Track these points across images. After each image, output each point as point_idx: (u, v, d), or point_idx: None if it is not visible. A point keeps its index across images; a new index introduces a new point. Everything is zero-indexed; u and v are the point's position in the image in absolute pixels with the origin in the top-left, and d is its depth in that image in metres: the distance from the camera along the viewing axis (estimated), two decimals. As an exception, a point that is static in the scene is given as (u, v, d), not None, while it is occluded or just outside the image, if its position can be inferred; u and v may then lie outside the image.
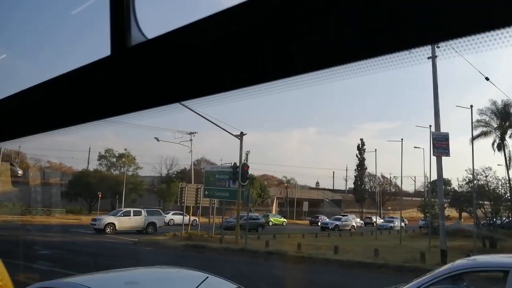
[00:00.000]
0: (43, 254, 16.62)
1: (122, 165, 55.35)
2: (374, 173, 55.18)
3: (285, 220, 50.79)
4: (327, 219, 46.75)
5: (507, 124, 36.93)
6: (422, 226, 43.34)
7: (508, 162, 36.90)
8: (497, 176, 28.70)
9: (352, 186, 68.60)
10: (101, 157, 57.49)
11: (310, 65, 0.67)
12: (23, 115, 1.30)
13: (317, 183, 79.19)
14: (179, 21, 0.84)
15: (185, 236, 26.80)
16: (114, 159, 57.11)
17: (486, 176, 27.59)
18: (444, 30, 0.55)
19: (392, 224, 45.77)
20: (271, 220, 49.06)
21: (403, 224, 46.97)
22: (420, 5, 0.56)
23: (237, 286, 4.47)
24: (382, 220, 50.60)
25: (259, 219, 37.72)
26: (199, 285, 3.73)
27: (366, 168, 64.92)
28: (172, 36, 0.85)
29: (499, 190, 29.05)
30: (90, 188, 48.17)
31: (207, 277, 4.07)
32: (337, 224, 41.85)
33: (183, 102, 0.95)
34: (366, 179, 65.24)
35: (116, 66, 0.99)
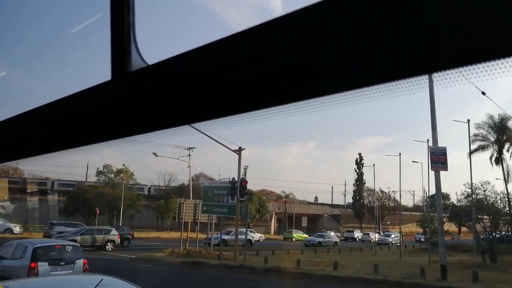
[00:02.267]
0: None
1: (120, 180, 55.11)
2: (373, 188, 55.15)
3: (307, 236, 50.72)
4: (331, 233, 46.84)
5: (504, 138, 37.12)
6: (418, 240, 43.13)
7: (506, 176, 37.04)
8: (496, 190, 28.72)
9: (351, 200, 68.54)
10: (99, 172, 57.31)
11: (310, 92, 0.69)
12: (23, 137, 1.32)
13: (316, 198, 79.09)
14: (179, 48, 0.86)
15: (183, 253, 26.58)
16: (112, 175, 56.90)
17: (485, 191, 27.60)
18: (441, 61, 0.57)
19: (390, 239, 45.55)
20: (295, 236, 51.01)
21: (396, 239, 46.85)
22: (416, 38, 0.57)
23: None
24: (377, 235, 50.53)
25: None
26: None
27: (365, 183, 64.92)
28: (171, 62, 0.86)
29: (497, 204, 29.02)
30: (88, 204, 47.87)
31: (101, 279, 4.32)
32: (319, 241, 41.21)
33: (184, 125, 0.95)
34: (365, 194, 65.14)
35: (116, 90, 1.01)
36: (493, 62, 0.53)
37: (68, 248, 12.41)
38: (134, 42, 0.98)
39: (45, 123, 1.22)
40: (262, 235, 49.12)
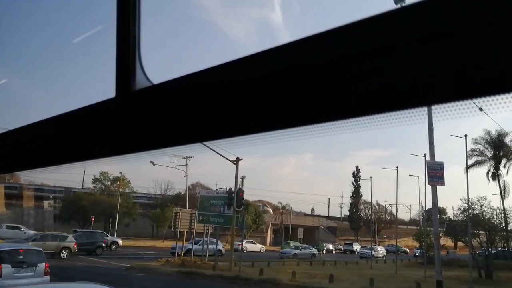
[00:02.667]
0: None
1: (116, 188, 54.88)
2: (370, 201, 55.09)
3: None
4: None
5: (501, 154, 37.25)
6: (405, 252, 42.50)
7: (502, 192, 37.09)
8: (492, 206, 28.74)
9: (348, 213, 68.37)
10: (95, 180, 57.08)
11: (309, 118, 0.71)
12: (25, 150, 1.33)
13: (313, 209, 78.84)
14: (182, 68, 0.88)
15: (178, 263, 26.40)
16: (109, 183, 56.68)
17: (481, 206, 27.61)
18: (438, 95, 0.59)
19: (373, 252, 43.64)
20: (293, 247, 49.53)
21: (384, 253, 46.50)
22: (415, 72, 0.60)
23: None
24: (358, 247, 50.40)
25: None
26: None
27: (362, 195, 64.86)
28: (176, 82, 0.89)
29: (494, 220, 29.03)
30: (84, 211, 47.61)
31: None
32: (295, 253, 40.27)
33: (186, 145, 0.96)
34: (362, 207, 65.06)
35: (120, 108, 1.02)
36: (492, 97, 0.54)
37: (30, 252, 13.34)
38: (139, 61, 1.00)
39: (48, 136, 1.24)
40: (263, 246, 49.00)
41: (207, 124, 0.85)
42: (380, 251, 46.66)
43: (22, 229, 38.83)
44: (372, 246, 44.51)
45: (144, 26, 1.02)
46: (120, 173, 56.24)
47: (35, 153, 1.32)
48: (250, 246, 45.85)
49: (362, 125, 0.68)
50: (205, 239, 28.98)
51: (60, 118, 1.18)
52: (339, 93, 0.67)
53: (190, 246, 29.80)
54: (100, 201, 51.06)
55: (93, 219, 45.75)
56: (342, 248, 53.61)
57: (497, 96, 0.54)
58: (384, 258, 43.80)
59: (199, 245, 29.72)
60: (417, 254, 43.06)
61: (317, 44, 0.68)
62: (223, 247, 33.71)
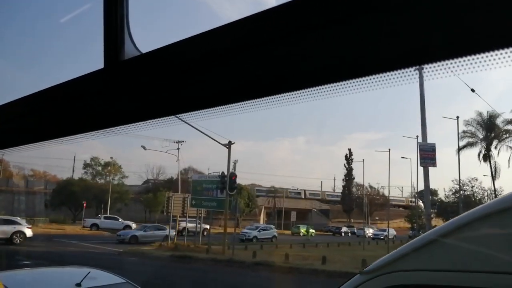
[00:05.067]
0: (27, 265, 16.27)
1: (107, 173, 54.74)
2: (362, 183, 55.57)
3: (313, 231, 51.18)
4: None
5: (493, 135, 37.60)
6: (376, 236, 42.71)
7: (493, 173, 37.53)
8: (483, 187, 29.16)
9: (340, 196, 68.95)
10: (86, 165, 56.82)
11: (301, 82, 0.69)
12: (13, 126, 1.30)
13: (305, 192, 79.33)
14: (172, 38, 0.86)
15: (171, 247, 26.54)
16: (100, 168, 56.49)
17: (472, 187, 28.01)
18: (430, 53, 0.57)
19: (385, 233, 43.76)
20: (302, 230, 50.26)
21: (385, 234, 46.91)
22: (406, 29, 0.58)
23: (125, 280, 4.81)
24: (346, 229, 50.76)
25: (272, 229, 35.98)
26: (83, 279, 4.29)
27: (354, 178, 65.43)
28: (165, 50, 0.86)
29: (485, 201, 29.47)
30: (75, 197, 47.48)
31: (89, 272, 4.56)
32: (255, 236, 37.63)
33: (177, 116, 0.95)
34: (354, 189, 65.64)
35: (110, 79, 0.99)
36: (482, 55, 0.53)
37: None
38: (127, 31, 0.97)
39: (35, 111, 1.21)
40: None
41: (197, 92, 0.84)
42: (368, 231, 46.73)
43: None
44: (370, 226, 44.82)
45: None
46: (111, 158, 56.09)
47: (23, 130, 1.28)
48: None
49: (353, 88, 0.66)
50: (199, 223, 29.13)
51: (47, 92, 1.14)
52: (329, 55, 0.65)
53: (136, 233, 31.10)
54: (91, 186, 50.94)
55: (84, 205, 45.67)
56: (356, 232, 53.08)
57: (488, 54, 0.53)
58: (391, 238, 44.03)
59: (144, 231, 31.42)
60: (410, 235, 43.70)
61: (304, 6, 0.66)
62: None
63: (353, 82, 0.64)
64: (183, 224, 30.82)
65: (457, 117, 24.67)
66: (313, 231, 51.17)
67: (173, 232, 29.03)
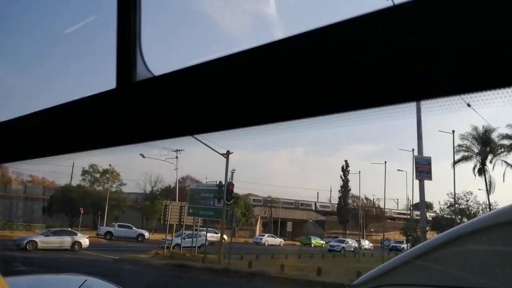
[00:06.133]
0: (22, 271, 16.19)
1: (106, 181, 54.58)
2: (358, 195, 55.52)
3: (323, 242, 50.99)
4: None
5: (488, 149, 37.71)
6: (332, 247, 41.47)
7: (488, 187, 37.57)
8: (478, 201, 29.18)
9: (336, 207, 68.75)
10: (84, 172, 56.66)
11: (310, 111, 0.72)
12: (26, 138, 1.32)
13: (301, 203, 79.05)
14: (182, 60, 0.91)
15: (167, 255, 26.43)
16: (98, 175, 56.33)
17: (467, 201, 28.03)
18: (430, 90, 0.61)
19: (344, 245, 42.92)
20: (313, 242, 50.53)
21: (370, 246, 45.93)
22: (406, 67, 0.61)
23: None
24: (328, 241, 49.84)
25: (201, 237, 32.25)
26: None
27: (350, 190, 65.26)
28: (177, 74, 0.89)
29: (479, 215, 29.48)
30: (73, 204, 47.27)
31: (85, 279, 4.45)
32: (178, 244, 32.52)
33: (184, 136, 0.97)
34: (350, 201, 65.50)
35: (121, 99, 1.03)
36: (480, 93, 0.56)
37: None
38: (140, 52, 1.01)
39: (46, 126, 1.24)
40: (282, 240, 49.57)
41: (207, 116, 0.86)
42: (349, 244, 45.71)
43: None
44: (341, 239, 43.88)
45: (145, 17, 1.03)
46: (110, 165, 55.94)
47: (33, 143, 1.32)
48: (271, 240, 47.13)
49: (353, 119, 0.69)
50: (195, 232, 29.04)
51: (59, 108, 1.18)
52: (331, 88, 0.69)
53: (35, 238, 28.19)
54: (89, 193, 50.74)
55: (82, 212, 45.47)
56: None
57: (486, 92, 0.56)
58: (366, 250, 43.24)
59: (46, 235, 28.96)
60: (403, 248, 43.55)
61: (310, 40, 0.70)
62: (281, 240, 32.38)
63: (353, 114, 0.66)
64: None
65: (453, 131, 24.76)
66: (323, 242, 51.10)
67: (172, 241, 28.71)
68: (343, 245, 41.40)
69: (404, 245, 39.35)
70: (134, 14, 1.02)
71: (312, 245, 49.06)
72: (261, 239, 44.04)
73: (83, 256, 25.71)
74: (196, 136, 0.99)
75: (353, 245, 42.96)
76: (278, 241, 47.51)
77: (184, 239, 31.41)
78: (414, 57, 0.59)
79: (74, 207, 47.11)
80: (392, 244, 43.13)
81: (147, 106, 0.96)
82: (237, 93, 0.81)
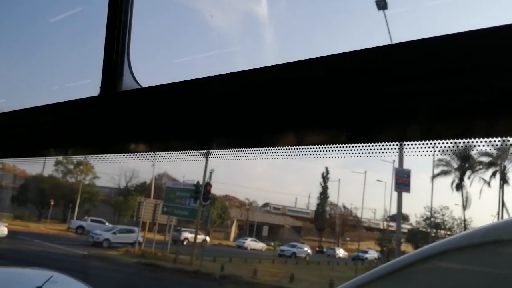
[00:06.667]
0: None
1: (79, 173, 53.36)
2: (336, 203, 55.84)
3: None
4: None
5: (467, 165, 38.38)
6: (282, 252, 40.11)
7: (464, 203, 38.24)
8: (454, 216, 29.62)
9: (314, 213, 69.00)
10: (58, 163, 55.28)
11: (285, 139, 0.72)
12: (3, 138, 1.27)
13: (270, 207, 78.98)
14: (171, 74, 0.87)
15: (138, 253, 25.92)
16: (72, 166, 55.02)
17: (443, 215, 28.38)
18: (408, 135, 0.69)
19: (294, 250, 41.48)
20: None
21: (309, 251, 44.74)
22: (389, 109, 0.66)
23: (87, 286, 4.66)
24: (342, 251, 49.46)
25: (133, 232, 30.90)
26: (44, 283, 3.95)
27: (328, 197, 65.64)
28: (164, 88, 0.85)
29: (454, 230, 29.92)
30: (43, 195, 46.01)
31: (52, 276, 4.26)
32: (107, 238, 30.35)
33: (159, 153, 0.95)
34: (328, 208, 65.85)
35: (104, 107, 0.98)
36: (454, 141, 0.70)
37: None
38: (128, 63, 0.96)
39: (25, 126, 1.19)
40: (265, 245, 47.83)
41: (188, 134, 0.85)
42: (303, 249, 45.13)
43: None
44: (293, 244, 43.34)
45: (135, 27, 0.98)
46: (85, 157, 54.70)
47: (10, 142, 1.26)
48: (253, 244, 46.20)
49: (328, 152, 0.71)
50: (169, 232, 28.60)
51: (39, 110, 1.13)
52: (309, 119, 0.70)
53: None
54: (61, 185, 49.56)
55: (52, 203, 44.31)
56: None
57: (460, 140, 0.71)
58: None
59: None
60: (377, 258, 43.97)
61: (295, 72, 0.69)
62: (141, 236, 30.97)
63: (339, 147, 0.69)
64: (185, 234, 30.07)
65: (434, 144, 24.96)
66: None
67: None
68: (294, 250, 40.96)
69: (368, 255, 39.43)
70: (125, 24, 0.95)
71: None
72: (244, 242, 43.61)
73: (50, 249, 24.97)
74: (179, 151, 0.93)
75: (306, 250, 42.39)
76: (260, 245, 46.97)
77: (115, 234, 30.23)
78: (397, 98, 0.64)
79: (44, 198, 45.86)
80: (355, 254, 43.36)
81: (130, 117, 0.92)
82: (220, 114, 0.79)
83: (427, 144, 0.68)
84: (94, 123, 0.99)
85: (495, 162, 37.50)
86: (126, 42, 0.96)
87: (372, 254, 41.40)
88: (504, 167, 37.78)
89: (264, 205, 63.00)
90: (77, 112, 1.03)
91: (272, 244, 49.53)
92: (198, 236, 28.79)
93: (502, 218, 33.90)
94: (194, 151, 0.86)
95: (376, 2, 15.74)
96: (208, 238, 31.04)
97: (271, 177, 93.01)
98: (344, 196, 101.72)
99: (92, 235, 30.12)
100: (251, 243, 45.64)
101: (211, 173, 30.10)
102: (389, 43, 0.61)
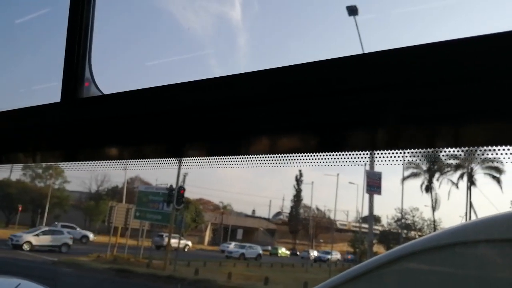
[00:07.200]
0: None
1: (48, 177, 51.97)
2: (310, 205, 56.25)
3: (288, 253, 51.13)
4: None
5: (435, 168, 39.39)
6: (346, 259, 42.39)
7: (434, 204, 39.21)
8: (423, 217, 30.34)
9: (287, 216, 69.31)
10: (25, 167, 53.67)
11: (260, 147, 0.72)
12: None
13: (254, 211, 78.99)
14: (134, 83, 0.81)
15: (110, 259, 25.40)
16: (40, 170, 53.50)
17: (413, 216, 29.05)
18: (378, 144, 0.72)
19: (243, 251, 40.19)
20: (279, 252, 50.31)
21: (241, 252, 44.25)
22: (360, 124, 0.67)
23: None
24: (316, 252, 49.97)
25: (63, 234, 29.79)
26: None
27: (302, 200, 66.09)
28: (126, 96, 0.84)
29: (424, 231, 30.63)
30: (10, 199, 44.55)
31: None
32: (29, 241, 27.52)
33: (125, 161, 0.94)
34: (302, 211, 66.27)
35: (65, 114, 0.95)
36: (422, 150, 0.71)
37: None
38: (89, 70, 0.94)
39: None
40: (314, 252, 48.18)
41: (151, 141, 0.84)
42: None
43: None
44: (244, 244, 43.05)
45: (96, 35, 0.95)
46: (52, 164, 53.30)
47: None
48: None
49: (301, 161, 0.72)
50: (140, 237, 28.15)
51: (1, 116, 1.09)
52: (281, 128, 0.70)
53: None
54: (29, 189, 48.12)
55: (20, 209, 42.95)
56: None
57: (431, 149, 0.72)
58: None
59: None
60: (349, 258, 44.51)
61: (267, 79, 0.68)
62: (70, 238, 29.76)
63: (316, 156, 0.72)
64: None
65: (403, 153, 25.58)
66: (288, 253, 51.73)
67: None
68: (243, 251, 40.56)
69: (330, 256, 39.75)
70: (86, 31, 0.92)
71: (279, 255, 49.04)
72: (228, 247, 42.97)
73: (18, 256, 24.18)
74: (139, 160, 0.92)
75: (258, 251, 42.21)
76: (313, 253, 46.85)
77: (38, 235, 27.87)
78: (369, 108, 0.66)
79: (11, 203, 44.40)
80: (317, 255, 43.90)
81: (91, 124, 0.90)
82: (183, 121, 0.78)
83: (397, 153, 0.69)
84: (58, 129, 0.97)
85: (463, 164, 38.64)
86: (88, 46, 0.94)
87: (335, 255, 42.08)
88: (471, 169, 38.98)
89: (277, 214, 63.97)
90: (39, 119, 1.00)
91: (281, 250, 50.41)
92: (181, 242, 28.41)
93: (470, 218, 34.92)
94: (165, 159, 0.85)
95: (347, 7, 16.00)
96: (190, 243, 30.68)
97: (245, 180, 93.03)
98: (318, 198, 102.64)
99: (11, 238, 27.79)
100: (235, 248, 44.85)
101: (184, 176, 29.88)
102: (360, 49, 0.62)
